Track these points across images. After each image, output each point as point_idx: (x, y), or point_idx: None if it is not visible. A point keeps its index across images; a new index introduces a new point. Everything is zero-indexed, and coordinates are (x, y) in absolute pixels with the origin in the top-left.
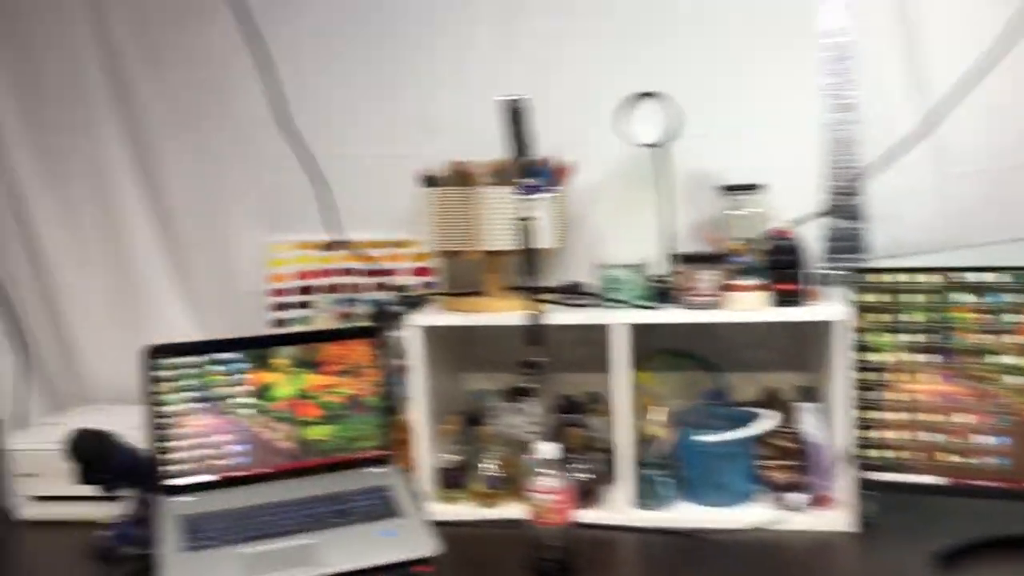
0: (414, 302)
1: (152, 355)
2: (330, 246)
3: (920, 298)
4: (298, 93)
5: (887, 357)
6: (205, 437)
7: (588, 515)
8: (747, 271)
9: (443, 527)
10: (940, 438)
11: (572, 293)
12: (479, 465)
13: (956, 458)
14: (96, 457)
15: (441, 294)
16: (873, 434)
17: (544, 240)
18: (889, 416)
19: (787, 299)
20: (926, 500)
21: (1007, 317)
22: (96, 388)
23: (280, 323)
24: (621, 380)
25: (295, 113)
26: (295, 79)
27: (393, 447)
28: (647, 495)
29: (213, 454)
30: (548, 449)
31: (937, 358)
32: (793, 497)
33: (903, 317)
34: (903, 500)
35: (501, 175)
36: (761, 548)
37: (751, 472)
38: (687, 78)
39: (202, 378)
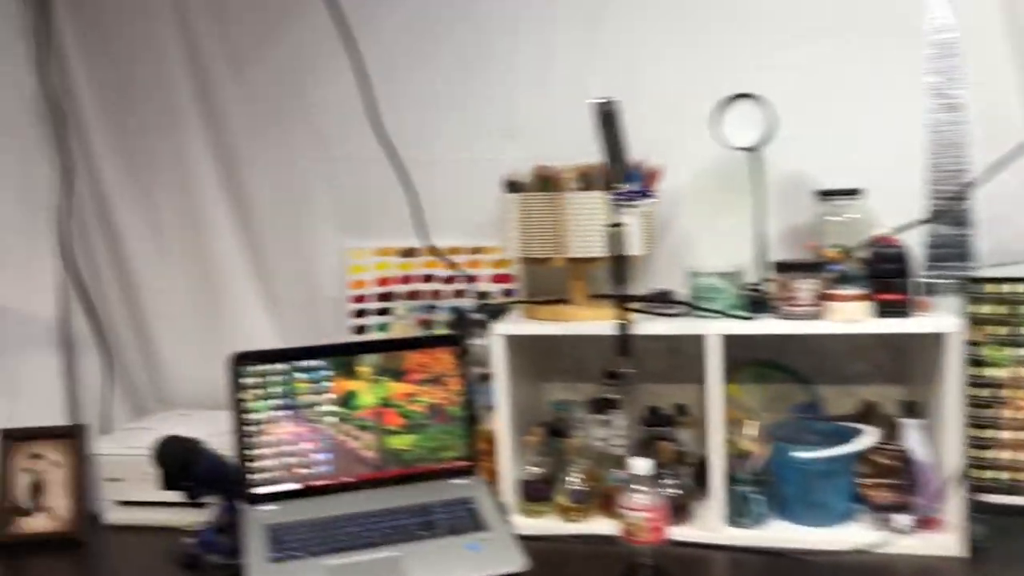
0: (495, 310)
1: (238, 362)
2: (410, 252)
3: None
4: (384, 95)
5: (1003, 372)
6: (289, 445)
7: (678, 532)
8: (846, 280)
9: (528, 541)
10: None
11: (662, 302)
12: (563, 478)
13: None
14: (182, 464)
15: (524, 302)
16: (985, 453)
17: (633, 247)
18: (1004, 435)
19: (892, 310)
20: None
21: None
22: (177, 393)
23: (360, 329)
24: (714, 392)
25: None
26: (382, 81)
27: (476, 458)
28: (739, 512)
29: (297, 462)
30: (641, 465)
31: None
32: (897, 518)
33: (1023, 330)
34: (1016, 524)
35: (589, 180)
36: (862, 571)
37: (851, 491)
38: (780, 77)
39: (287, 385)
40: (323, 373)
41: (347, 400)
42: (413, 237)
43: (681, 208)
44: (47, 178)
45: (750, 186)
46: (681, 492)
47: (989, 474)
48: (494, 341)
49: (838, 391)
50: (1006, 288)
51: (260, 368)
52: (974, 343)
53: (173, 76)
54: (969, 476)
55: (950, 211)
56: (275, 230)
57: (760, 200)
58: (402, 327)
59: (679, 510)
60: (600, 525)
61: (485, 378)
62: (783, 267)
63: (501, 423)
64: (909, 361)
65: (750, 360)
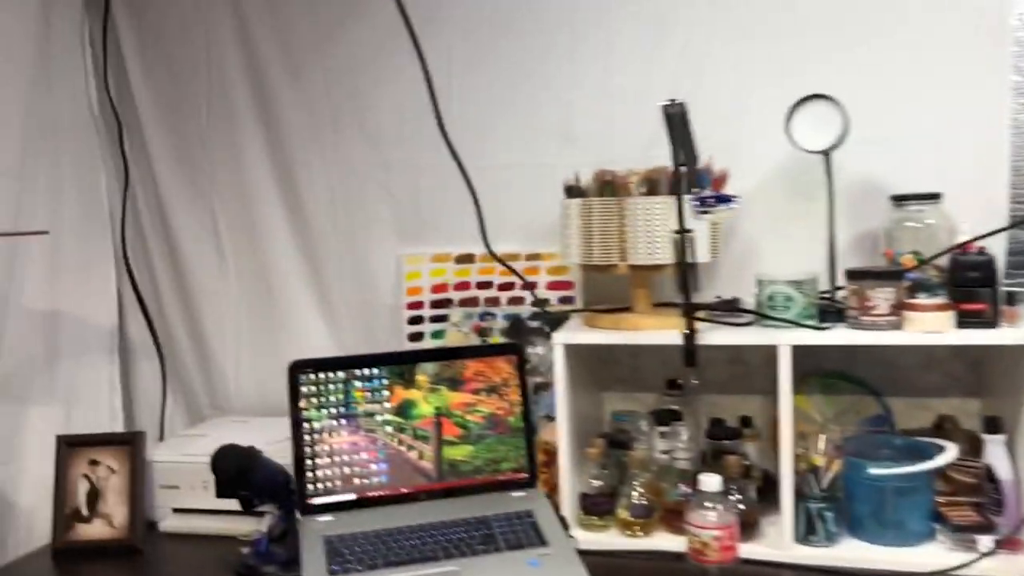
0: (554, 318)
1: (296, 370)
2: (467, 258)
3: None
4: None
5: None
6: (347, 455)
7: (745, 549)
8: (924, 288)
9: (588, 556)
10: None
11: (729, 310)
12: (625, 492)
13: None
14: (238, 472)
15: (585, 310)
16: None
17: (701, 254)
18: None
19: (975, 320)
20: None
21: None
22: (232, 399)
23: (416, 337)
24: (785, 405)
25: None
26: (441, 85)
27: (535, 470)
28: (810, 530)
29: (354, 473)
30: (711, 481)
31: None
32: (978, 539)
33: None
34: None
35: (654, 185)
36: None
37: (929, 509)
38: (851, 77)
39: (345, 394)
40: (381, 382)
41: (404, 409)
42: (469, 243)
43: (746, 213)
44: (105, 185)
45: (821, 190)
46: (748, 508)
47: None
48: (555, 350)
49: (909, 404)
50: None
51: (318, 376)
52: None
53: (230, 82)
54: None
55: None
56: (331, 236)
57: (831, 205)
58: (457, 335)
59: (745, 526)
60: (663, 541)
61: (542, 387)
62: (857, 275)
63: (561, 434)
64: (988, 373)
65: (816, 370)
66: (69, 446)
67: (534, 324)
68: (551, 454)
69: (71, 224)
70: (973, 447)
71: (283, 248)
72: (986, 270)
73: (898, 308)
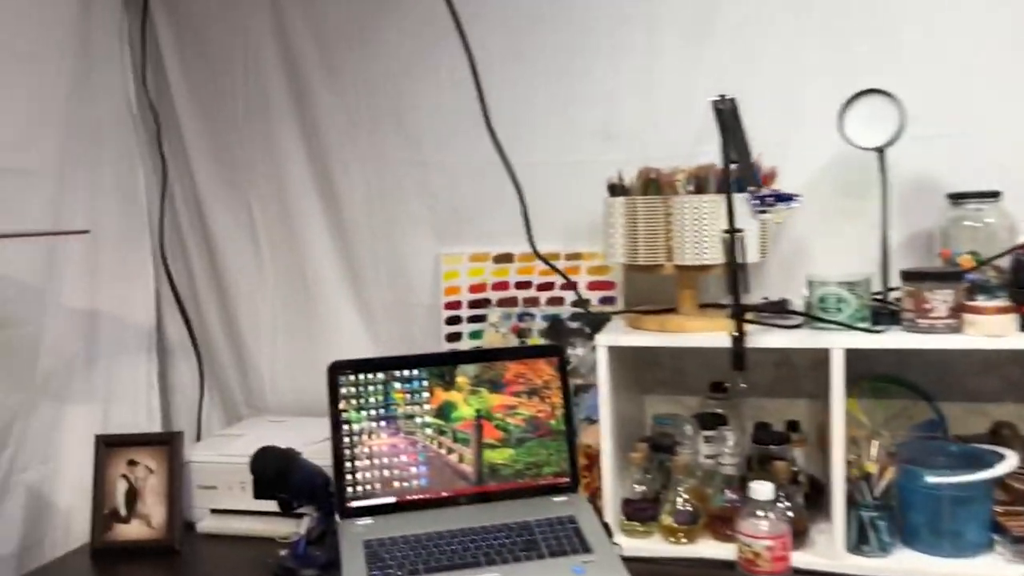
0: (595, 319)
1: (335, 371)
2: (506, 258)
3: None
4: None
5: None
6: (387, 457)
7: (795, 558)
8: (983, 290)
9: (632, 563)
10: None
11: (778, 312)
12: (669, 497)
13: None
14: (277, 473)
15: (628, 311)
16: None
17: (751, 254)
18: None
19: None
20: None
21: None
22: (269, 399)
23: (453, 337)
24: (837, 409)
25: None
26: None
27: (577, 474)
28: (862, 539)
29: (394, 476)
30: (762, 489)
31: None
32: None
33: None
34: None
35: (702, 182)
36: None
37: (988, 519)
38: (905, 71)
39: (384, 396)
40: (421, 383)
41: (444, 411)
42: (508, 242)
43: (796, 212)
44: (144, 184)
45: (873, 188)
46: (794, 515)
47: None
48: (598, 352)
49: (964, 409)
50: None
51: (358, 378)
52: None
53: (268, 81)
54: None
55: None
56: (368, 235)
57: (884, 203)
58: (495, 335)
59: (794, 535)
60: (708, 548)
61: (582, 389)
62: (913, 276)
63: (604, 437)
64: None
65: (866, 373)
66: (108, 446)
67: (574, 325)
68: (592, 458)
69: (110, 224)
70: None
71: (320, 247)
72: None
73: (957, 311)
